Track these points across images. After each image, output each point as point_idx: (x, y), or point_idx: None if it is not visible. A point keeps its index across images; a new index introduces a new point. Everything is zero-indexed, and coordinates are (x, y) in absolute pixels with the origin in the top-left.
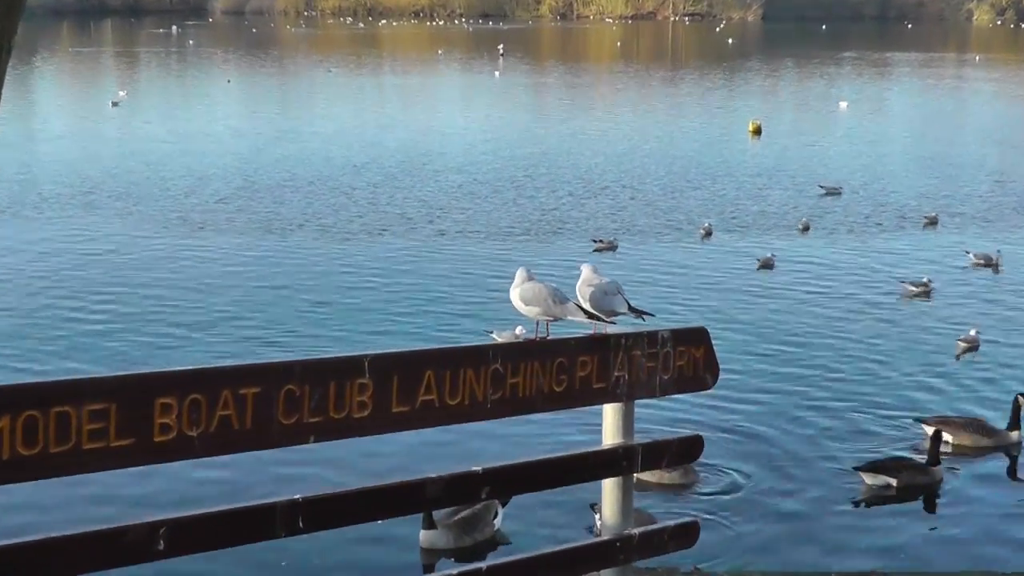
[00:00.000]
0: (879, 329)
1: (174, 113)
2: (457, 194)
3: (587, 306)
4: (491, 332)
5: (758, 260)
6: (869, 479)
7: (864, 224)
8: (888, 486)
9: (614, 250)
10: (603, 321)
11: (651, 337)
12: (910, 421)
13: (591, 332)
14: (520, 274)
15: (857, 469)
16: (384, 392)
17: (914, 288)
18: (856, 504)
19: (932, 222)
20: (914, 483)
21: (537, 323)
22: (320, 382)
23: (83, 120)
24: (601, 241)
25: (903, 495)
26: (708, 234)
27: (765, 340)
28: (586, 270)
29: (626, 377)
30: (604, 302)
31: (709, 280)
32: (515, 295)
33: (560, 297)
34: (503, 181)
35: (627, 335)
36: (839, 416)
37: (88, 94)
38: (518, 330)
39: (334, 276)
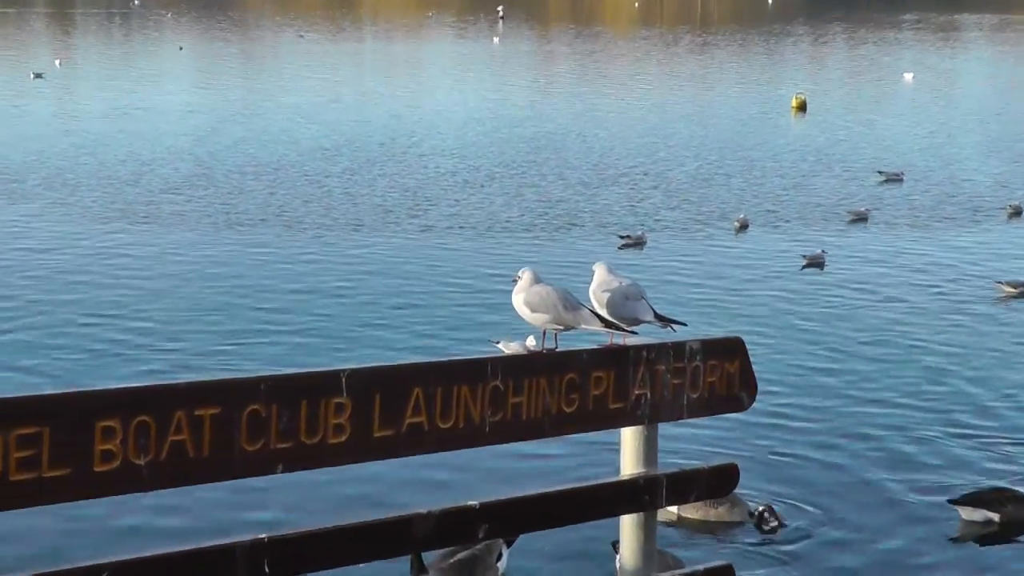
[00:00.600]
0: (963, 337)
1: (114, 85)
2: (449, 183)
3: (604, 313)
4: (497, 342)
5: (804, 258)
6: (967, 514)
7: (931, 216)
8: (989, 521)
9: (642, 247)
10: (622, 331)
11: (678, 349)
12: (1010, 445)
13: (607, 343)
14: (526, 276)
15: (952, 503)
16: (364, 413)
17: (1012, 289)
18: (952, 542)
19: (1016, 212)
20: (1019, 518)
21: (544, 333)
22: (290, 401)
23: (1, 95)
24: (629, 237)
25: (1007, 531)
26: (744, 228)
27: (814, 351)
28: (600, 270)
29: (648, 396)
30: (625, 308)
31: (746, 281)
32: (519, 300)
33: (572, 302)
34: (503, 167)
35: (650, 347)
36: (919, 440)
37: (10, 63)
38: (530, 341)
39: (304, 278)
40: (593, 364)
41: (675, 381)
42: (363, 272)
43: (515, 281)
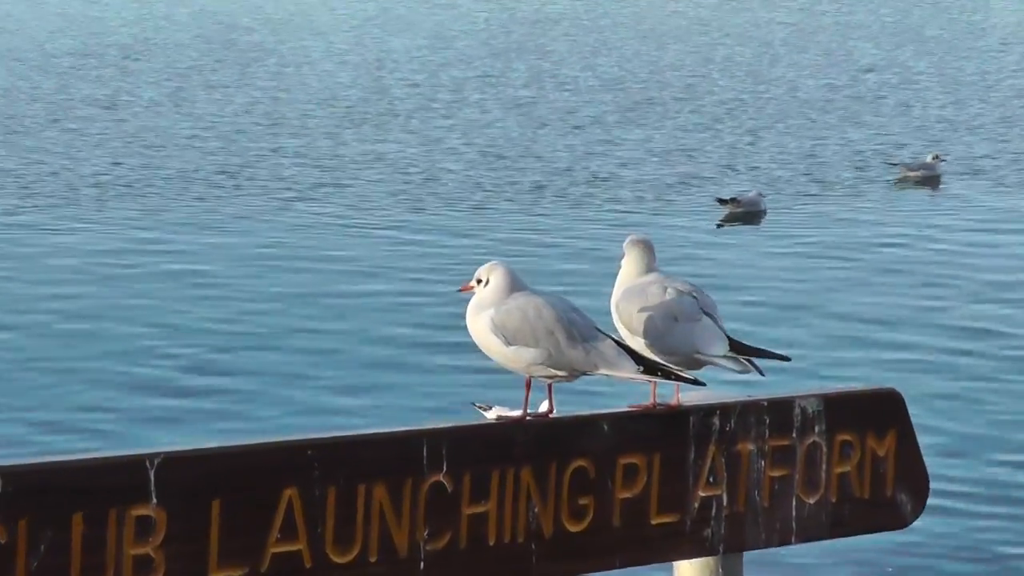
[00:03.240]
0: None
1: None
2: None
3: (639, 346)
4: (486, 408)
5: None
6: None
7: None
8: None
9: (751, 218)
10: (674, 379)
11: (779, 412)
12: None
13: (646, 404)
14: (494, 277)
15: None
16: (192, 534)
17: None
18: None
19: None
20: None
21: (529, 383)
22: (53, 511)
23: None
24: (734, 202)
25: None
26: (925, 178)
27: None
28: (633, 258)
29: (724, 503)
30: (675, 337)
31: (913, 284)
32: (482, 323)
33: (582, 327)
34: (484, 101)
35: (725, 409)
36: None
37: None
38: (544, 406)
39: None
40: (621, 442)
41: (774, 473)
42: (239, 275)
43: (471, 290)
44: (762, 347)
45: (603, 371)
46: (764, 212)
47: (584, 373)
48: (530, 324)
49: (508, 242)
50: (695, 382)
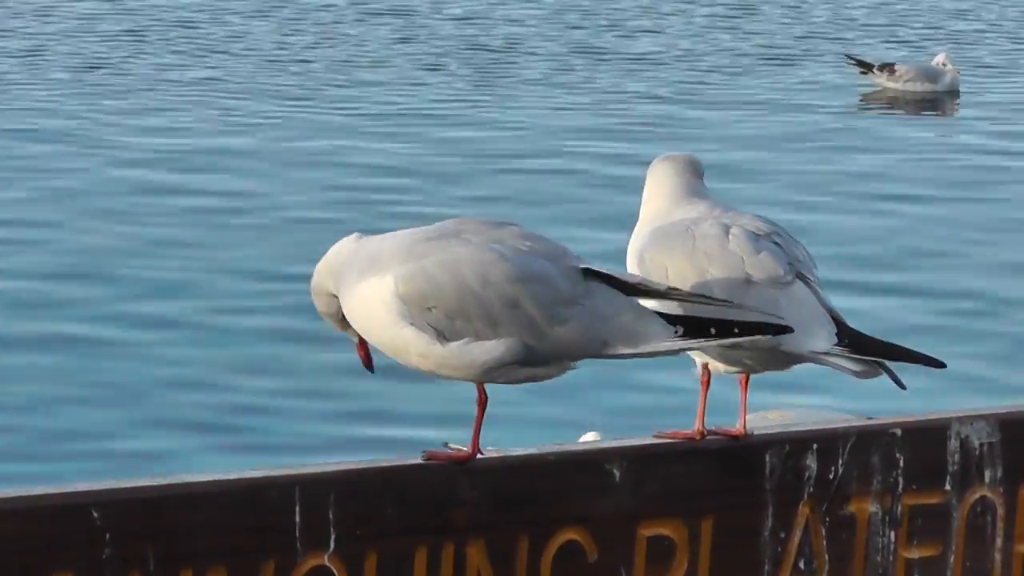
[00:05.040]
0: None
1: None
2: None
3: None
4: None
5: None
6: None
7: None
8: None
9: (952, 96)
10: (757, 339)
11: (922, 444)
12: None
13: (688, 431)
14: (350, 248)
15: None
16: None
17: None
18: None
19: None
20: None
21: (482, 397)
22: None
23: None
24: (885, 70)
25: None
26: None
27: None
28: (668, 184)
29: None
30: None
31: None
32: (387, 304)
33: (558, 282)
34: None
35: (826, 438)
36: None
37: None
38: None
39: None
40: (642, 500)
41: (913, 554)
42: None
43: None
44: (895, 342)
45: (614, 350)
46: (955, 84)
47: (574, 359)
48: (440, 290)
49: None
50: (784, 330)
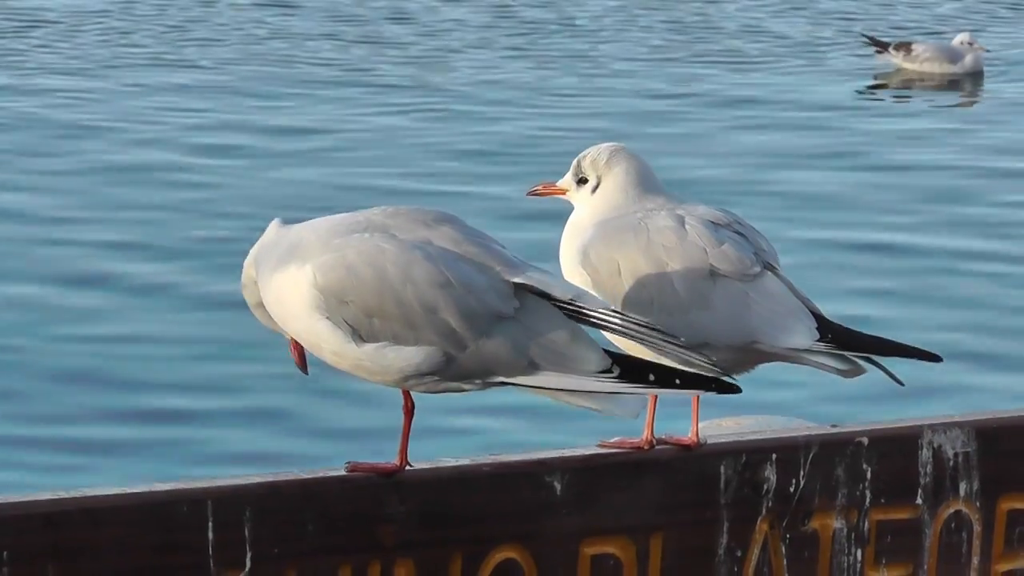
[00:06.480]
0: None
1: None
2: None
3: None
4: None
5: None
6: None
7: None
8: None
9: (977, 80)
10: (697, 387)
11: (891, 453)
12: None
13: (635, 440)
14: (272, 235)
15: None
16: None
17: None
18: None
19: None
20: None
21: (408, 405)
22: None
23: None
24: (905, 48)
25: None
26: None
27: None
28: (617, 184)
29: None
30: (717, 312)
31: None
32: (307, 299)
33: (487, 292)
34: None
35: (786, 448)
36: None
37: None
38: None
39: None
40: (587, 516)
41: (881, 575)
42: None
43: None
44: (882, 335)
45: (542, 379)
46: (977, 68)
47: (500, 377)
48: (357, 287)
49: None
50: (728, 385)
